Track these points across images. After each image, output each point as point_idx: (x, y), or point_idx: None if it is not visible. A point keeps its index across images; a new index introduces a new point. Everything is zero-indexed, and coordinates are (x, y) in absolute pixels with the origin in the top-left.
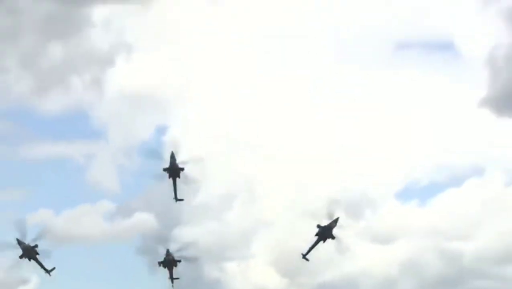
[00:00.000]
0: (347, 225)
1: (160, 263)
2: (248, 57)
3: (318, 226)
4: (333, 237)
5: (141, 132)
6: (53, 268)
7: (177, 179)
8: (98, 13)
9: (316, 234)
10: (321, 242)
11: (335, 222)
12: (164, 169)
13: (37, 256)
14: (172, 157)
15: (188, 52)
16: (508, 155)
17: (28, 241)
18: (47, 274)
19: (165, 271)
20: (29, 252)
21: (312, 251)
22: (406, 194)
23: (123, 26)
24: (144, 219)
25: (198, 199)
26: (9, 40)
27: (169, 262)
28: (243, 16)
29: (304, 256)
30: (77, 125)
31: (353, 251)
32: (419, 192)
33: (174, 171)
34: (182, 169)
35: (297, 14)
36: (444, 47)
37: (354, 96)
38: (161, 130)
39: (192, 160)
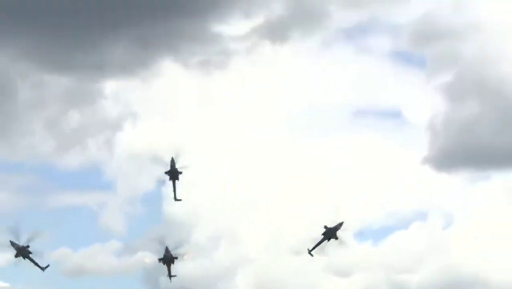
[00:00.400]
0: (316, 260)
1: (160, 260)
2: (236, 119)
3: (325, 227)
4: (336, 238)
5: (144, 184)
6: (48, 265)
7: (176, 181)
8: (109, 87)
9: (323, 234)
10: (326, 241)
11: (340, 225)
12: (166, 172)
13: (30, 255)
14: (172, 161)
15: (183, 118)
16: (445, 203)
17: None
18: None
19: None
20: (22, 252)
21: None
22: (362, 235)
23: (130, 98)
24: (147, 256)
25: (191, 239)
26: (35, 108)
27: (168, 259)
28: (230, 87)
29: (309, 252)
30: (92, 178)
31: (321, 282)
32: (373, 234)
33: (173, 173)
34: (181, 172)
35: (276, 83)
36: (393, 115)
37: (317, 157)
38: (161, 183)
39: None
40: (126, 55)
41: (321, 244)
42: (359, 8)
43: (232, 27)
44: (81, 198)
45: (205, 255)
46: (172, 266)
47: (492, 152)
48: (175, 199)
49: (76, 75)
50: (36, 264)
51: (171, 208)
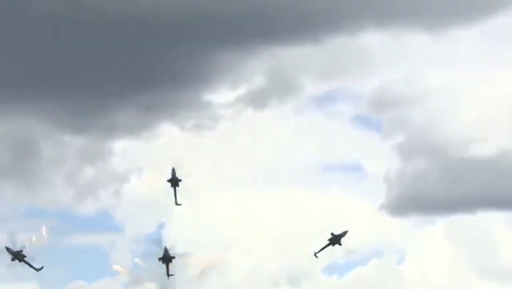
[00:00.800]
0: None
1: (159, 259)
2: (224, 171)
3: (332, 234)
4: (340, 244)
5: (147, 227)
6: (42, 267)
7: (177, 188)
8: (117, 146)
9: (328, 240)
10: (331, 246)
11: (344, 233)
12: (168, 180)
13: (25, 258)
14: (173, 171)
15: (181, 171)
16: (398, 242)
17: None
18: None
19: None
20: (17, 256)
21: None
22: (329, 270)
23: (135, 155)
24: (150, 287)
25: (185, 274)
26: (56, 164)
27: (167, 258)
28: (219, 145)
29: (315, 254)
30: (104, 222)
31: None
32: (338, 269)
33: (174, 181)
34: (180, 180)
35: (258, 143)
36: (355, 169)
37: (293, 204)
38: (161, 226)
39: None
40: (132, 119)
41: (326, 248)
42: (327, 80)
43: (220, 96)
44: (94, 238)
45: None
46: (170, 265)
47: (436, 201)
48: (176, 203)
49: (90, 136)
50: (31, 266)
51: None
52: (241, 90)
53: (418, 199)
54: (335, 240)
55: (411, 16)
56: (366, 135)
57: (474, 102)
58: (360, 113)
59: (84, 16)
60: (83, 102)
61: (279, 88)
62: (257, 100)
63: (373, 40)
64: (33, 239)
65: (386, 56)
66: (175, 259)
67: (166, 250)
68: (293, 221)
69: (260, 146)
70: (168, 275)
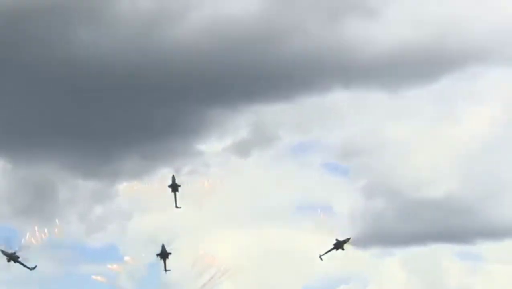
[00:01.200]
0: None
1: (157, 255)
2: (215, 211)
3: (336, 240)
4: (343, 249)
5: (149, 258)
6: (35, 266)
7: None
8: (122, 189)
9: (333, 244)
10: (335, 250)
11: (347, 239)
12: (168, 186)
13: (19, 259)
14: (173, 178)
15: (177, 211)
16: (363, 271)
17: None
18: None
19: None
20: (12, 257)
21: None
22: None
23: (136, 198)
24: None
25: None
26: (71, 204)
27: (164, 254)
28: (210, 189)
29: (320, 256)
30: (110, 254)
31: None
32: None
33: (174, 187)
34: (179, 185)
35: (243, 187)
36: (325, 208)
37: (272, 239)
38: (163, 256)
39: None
40: (135, 166)
41: (331, 252)
42: (301, 133)
43: (210, 146)
44: (103, 267)
45: None
46: (167, 261)
47: (394, 235)
48: (176, 206)
49: (98, 180)
50: (25, 265)
51: (168, 276)
52: (227, 142)
53: (379, 234)
54: (339, 245)
55: (372, 78)
56: (334, 180)
57: (424, 151)
58: (330, 160)
59: (96, 80)
60: (93, 152)
61: (260, 140)
62: (242, 150)
63: (340, 99)
64: (27, 237)
65: (351, 112)
66: (171, 255)
67: (163, 247)
68: (272, 253)
69: (244, 189)
70: (166, 270)
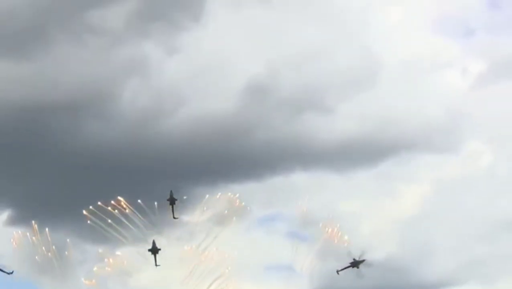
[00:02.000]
0: None
1: (149, 250)
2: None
3: (354, 259)
4: (358, 267)
5: None
6: (12, 271)
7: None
8: (123, 251)
9: (350, 263)
10: (351, 267)
11: (363, 261)
12: (167, 200)
13: None
14: (171, 193)
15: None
16: None
17: None
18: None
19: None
20: None
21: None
22: None
23: (137, 258)
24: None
25: None
26: (79, 265)
27: (154, 250)
28: (198, 249)
29: (337, 272)
30: None
31: None
32: None
33: (172, 200)
34: (176, 199)
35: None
36: (288, 268)
37: None
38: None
39: None
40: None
41: (347, 269)
42: (269, 207)
43: (194, 218)
44: None
45: None
46: (157, 256)
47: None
48: (174, 217)
49: (104, 245)
50: (4, 271)
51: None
52: (209, 214)
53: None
54: (355, 264)
55: (326, 162)
56: (296, 245)
57: (370, 221)
58: (292, 229)
59: (102, 164)
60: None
61: (237, 214)
62: (221, 221)
63: (300, 179)
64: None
65: (309, 190)
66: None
67: (154, 243)
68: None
69: (222, 252)
70: (156, 265)
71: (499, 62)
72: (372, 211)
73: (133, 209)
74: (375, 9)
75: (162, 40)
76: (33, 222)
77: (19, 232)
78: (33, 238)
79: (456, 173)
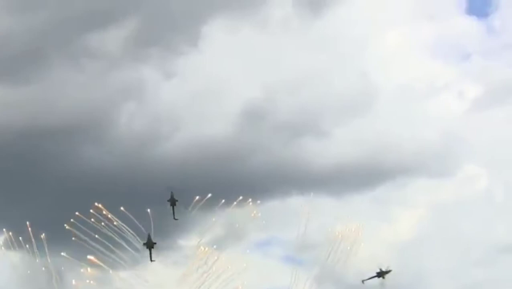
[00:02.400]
0: None
1: (144, 244)
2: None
3: (380, 269)
4: (383, 278)
5: None
6: None
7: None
8: (121, 275)
9: (376, 273)
10: (377, 277)
11: (389, 271)
12: (168, 200)
13: None
14: (172, 194)
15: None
16: None
17: None
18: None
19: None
20: None
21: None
22: None
23: (133, 282)
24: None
25: None
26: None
27: (150, 244)
28: (194, 272)
29: (363, 281)
30: None
31: None
32: None
33: (172, 201)
34: (177, 200)
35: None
36: None
37: None
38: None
39: None
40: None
41: (373, 278)
42: (265, 231)
43: (191, 242)
44: None
45: None
46: (153, 250)
47: None
48: (174, 218)
49: (101, 269)
50: None
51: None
52: (206, 238)
53: None
54: (381, 274)
55: (323, 186)
56: (291, 269)
57: (365, 245)
58: (288, 254)
59: (99, 187)
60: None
61: (233, 238)
62: (218, 244)
63: (297, 203)
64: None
65: (306, 214)
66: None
67: (149, 237)
68: None
69: (220, 276)
70: (151, 260)
71: (496, 86)
72: (368, 234)
73: (130, 230)
74: (372, 33)
75: (159, 64)
76: (27, 246)
77: (17, 255)
78: (36, 260)
79: (452, 197)
